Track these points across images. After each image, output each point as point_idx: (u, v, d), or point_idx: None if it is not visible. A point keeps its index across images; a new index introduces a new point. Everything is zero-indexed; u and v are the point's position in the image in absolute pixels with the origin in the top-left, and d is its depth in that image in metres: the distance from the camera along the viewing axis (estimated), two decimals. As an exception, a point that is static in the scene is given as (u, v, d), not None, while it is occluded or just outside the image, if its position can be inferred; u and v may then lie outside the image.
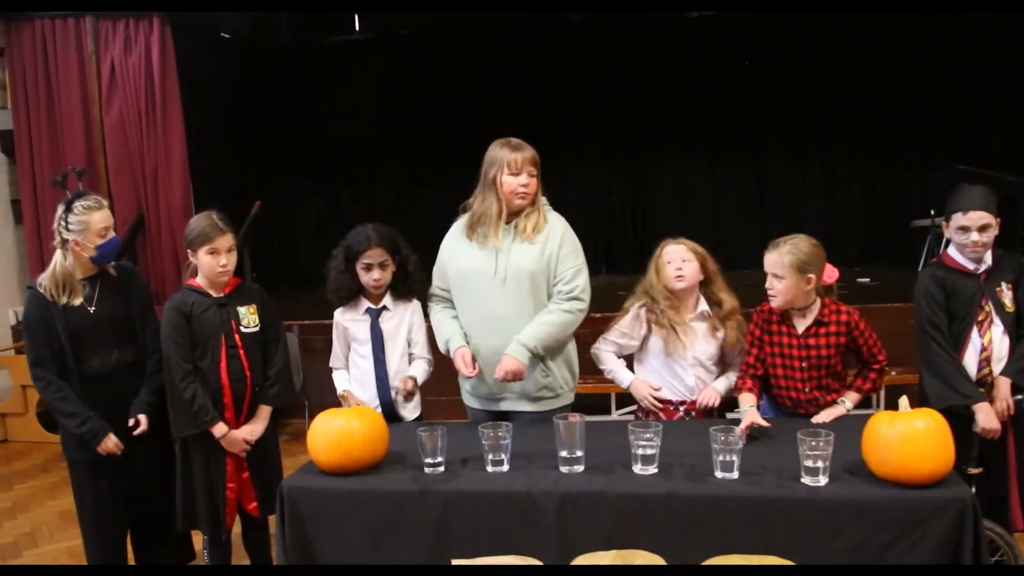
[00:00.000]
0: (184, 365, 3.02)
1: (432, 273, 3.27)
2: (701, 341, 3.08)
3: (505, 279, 3.01)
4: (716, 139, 9.09)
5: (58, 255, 3.05)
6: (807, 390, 2.94)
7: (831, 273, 2.94)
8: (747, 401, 2.88)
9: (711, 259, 3.11)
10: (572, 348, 3.17)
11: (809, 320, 2.93)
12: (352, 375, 3.28)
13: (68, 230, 3.00)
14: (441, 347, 3.22)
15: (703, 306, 3.09)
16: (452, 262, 3.15)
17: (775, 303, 2.92)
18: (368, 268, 3.15)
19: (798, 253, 2.83)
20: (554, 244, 3.03)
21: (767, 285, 2.92)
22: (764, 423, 2.70)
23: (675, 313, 3.05)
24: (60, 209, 3.04)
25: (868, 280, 7.39)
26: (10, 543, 4.30)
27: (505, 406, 3.11)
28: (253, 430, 3.13)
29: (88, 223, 3.00)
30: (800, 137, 8.98)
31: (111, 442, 3.05)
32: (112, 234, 3.08)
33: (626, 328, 3.16)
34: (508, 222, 3.05)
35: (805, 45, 8.26)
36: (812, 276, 2.84)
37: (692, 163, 9.33)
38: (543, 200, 3.12)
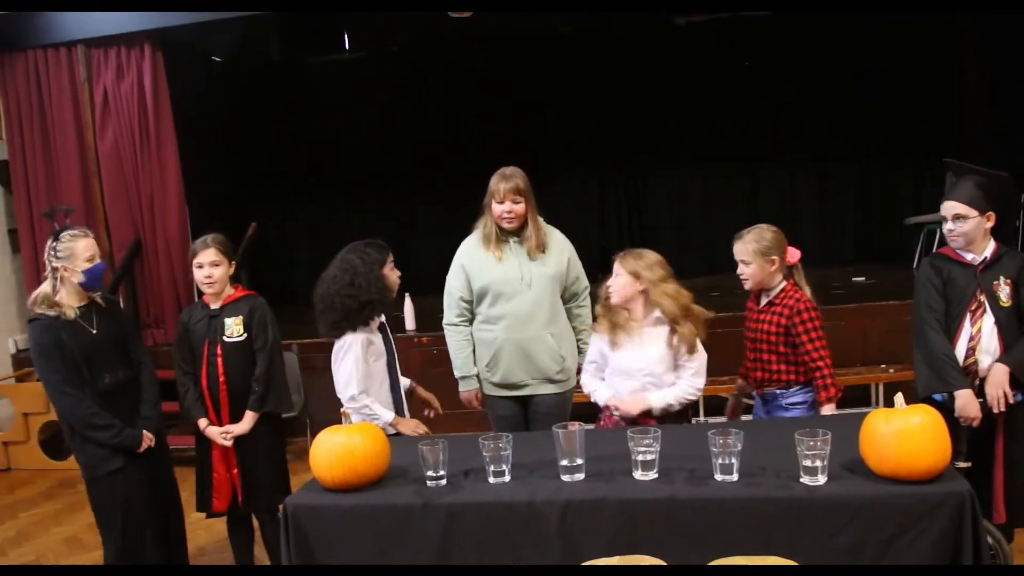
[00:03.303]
0: (182, 365, 3.48)
1: (447, 288, 3.57)
2: (656, 347, 3.07)
3: (531, 283, 3.45)
4: (709, 144, 9.11)
5: (48, 283, 3.26)
6: (751, 359, 3.22)
7: (792, 254, 3.21)
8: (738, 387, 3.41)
9: (649, 270, 3.04)
10: (573, 335, 3.61)
11: (766, 300, 3.21)
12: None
13: (57, 258, 3.22)
14: (455, 372, 3.60)
15: (656, 312, 3.07)
16: (478, 275, 3.50)
17: (747, 285, 3.24)
18: (393, 268, 3.32)
19: (761, 240, 3.14)
20: (564, 253, 3.57)
21: (738, 271, 3.22)
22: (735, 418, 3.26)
23: (614, 320, 3.13)
24: (49, 241, 3.27)
25: (863, 279, 7.41)
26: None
27: (528, 391, 3.52)
28: (229, 429, 3.44)
29: (74, 250, 3.22)
30: (792, 140, 8.99)
31: (148, 439, 3.31)
32: (98, 260, 3.30)
33: (592, 349, 3.31)
34: (516, 236, 3.47)
35: (795, 47, 8.32)
36: (775, 259, 3.14)
37: (685, 168, 9.34)
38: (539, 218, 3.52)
